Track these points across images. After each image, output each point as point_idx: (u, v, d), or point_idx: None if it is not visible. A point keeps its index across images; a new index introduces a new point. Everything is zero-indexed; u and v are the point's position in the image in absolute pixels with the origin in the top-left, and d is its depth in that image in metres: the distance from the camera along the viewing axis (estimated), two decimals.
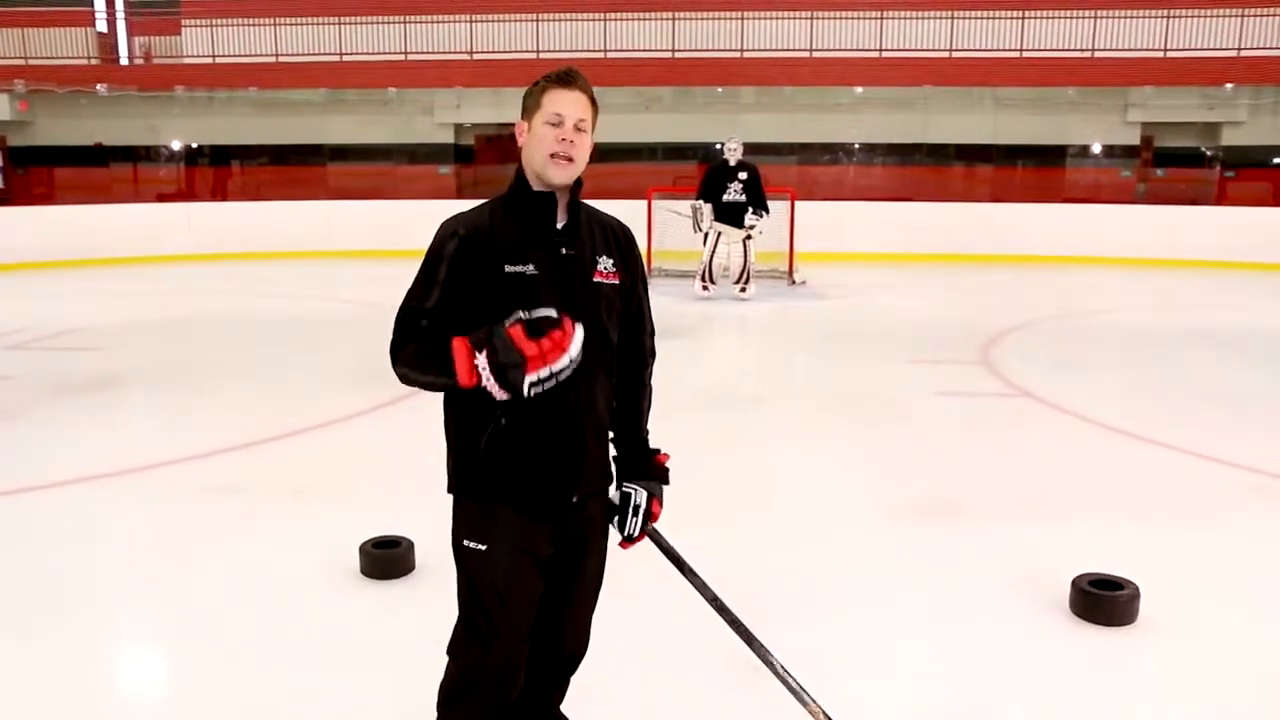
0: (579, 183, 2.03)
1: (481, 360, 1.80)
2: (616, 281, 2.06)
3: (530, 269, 1.94)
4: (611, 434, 2.17)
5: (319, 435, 5.58)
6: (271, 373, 7.35)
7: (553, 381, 1.81)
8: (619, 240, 2.10)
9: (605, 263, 2.04)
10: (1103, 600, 3.21)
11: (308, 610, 3.36)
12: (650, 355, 2.21)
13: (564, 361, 1.80)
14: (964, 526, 4.16)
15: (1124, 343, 8.73)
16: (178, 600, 3.46)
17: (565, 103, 1.96)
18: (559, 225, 2.00)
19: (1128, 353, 8.27)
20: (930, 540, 3.99)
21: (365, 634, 3.18)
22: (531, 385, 1.80)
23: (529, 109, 1.99)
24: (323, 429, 5.68)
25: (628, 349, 2.14)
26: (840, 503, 4.45)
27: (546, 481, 1.99)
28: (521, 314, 1.81)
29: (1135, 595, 3.23)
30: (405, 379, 1.95)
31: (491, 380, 1.80)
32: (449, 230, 1.98)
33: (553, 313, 1.81)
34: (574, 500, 2.03)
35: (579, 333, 1.81)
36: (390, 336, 1.98)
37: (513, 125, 2.04)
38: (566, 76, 1.98)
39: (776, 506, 4.41)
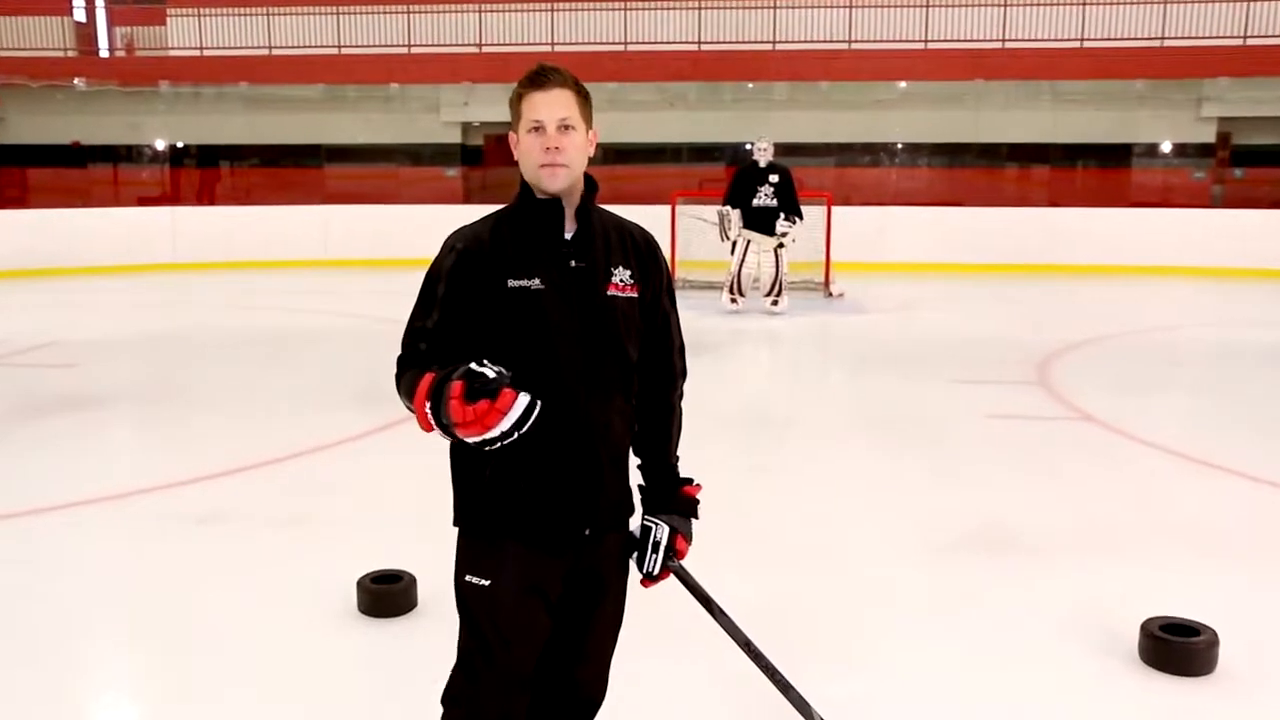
0: (592, 186, 2.05)
1: (429, 408, 1.84)
2: (634, 295, 2.06)
3: (535, 283, 1.96)
4: (637, 461, 2.18)
5: (313, 460, 5.61)
6: (262, 392, 7.40)
7: (498, 445, 1.83)
8: (639, 248, 2.10)
9: (621, 274, 2.05)
10: (1177, 647, 3.17)
11: (300, 650, 3.38)
12: (680, 375, 2.21)
13: (494, 433, 1.81)
14: (1019, 564, 4.13)
15: (1197, 362, 8.65)
16: (158, 640, 3.48)
17: (542, 106, 1.97)
18: (567, 235, 2.02)
19: (1201, 373, 8.20)
20: (982, 579, 3.97)
21: (363, 676, 3.19)
22: (477, 444, 1.84)
23: (514, 118, 2.02)
24: (317, 454, 5.71)
25: (653, 369, 2.15)
26: (883, 537, 4.43)
27: (557, 513, 2.00)
28: (473, 365, 1.82)
29: (1213, 642, 3.19)
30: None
31: (440, 434, 1.85)
32: (448, 245, 2.02)
33: (490, 373, 1.81)
34: (587, 534, 2.04)
35: (517, 407, 1.80)
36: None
37: None
38: (539, 76, 1.98)
39: (812, 540, 4.40)
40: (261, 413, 6.74)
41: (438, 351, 1.95)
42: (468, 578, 2.02)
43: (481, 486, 1.99)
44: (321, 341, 9.56)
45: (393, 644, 3.40)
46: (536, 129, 1.96)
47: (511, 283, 1.95)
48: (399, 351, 2.00)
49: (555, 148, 1.96)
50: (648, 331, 2.11)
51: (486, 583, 2.00)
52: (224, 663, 3.29)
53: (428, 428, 1.86)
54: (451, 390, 1.79)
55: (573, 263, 2.00)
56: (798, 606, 3.69)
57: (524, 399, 1.80)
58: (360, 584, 3.61)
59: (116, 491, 5.00)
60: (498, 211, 2.08)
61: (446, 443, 2.08)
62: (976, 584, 3.92)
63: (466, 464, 2.02)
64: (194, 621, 3.59)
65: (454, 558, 2.08)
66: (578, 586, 2.07)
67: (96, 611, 3.71)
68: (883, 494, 5.06)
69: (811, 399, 7.52)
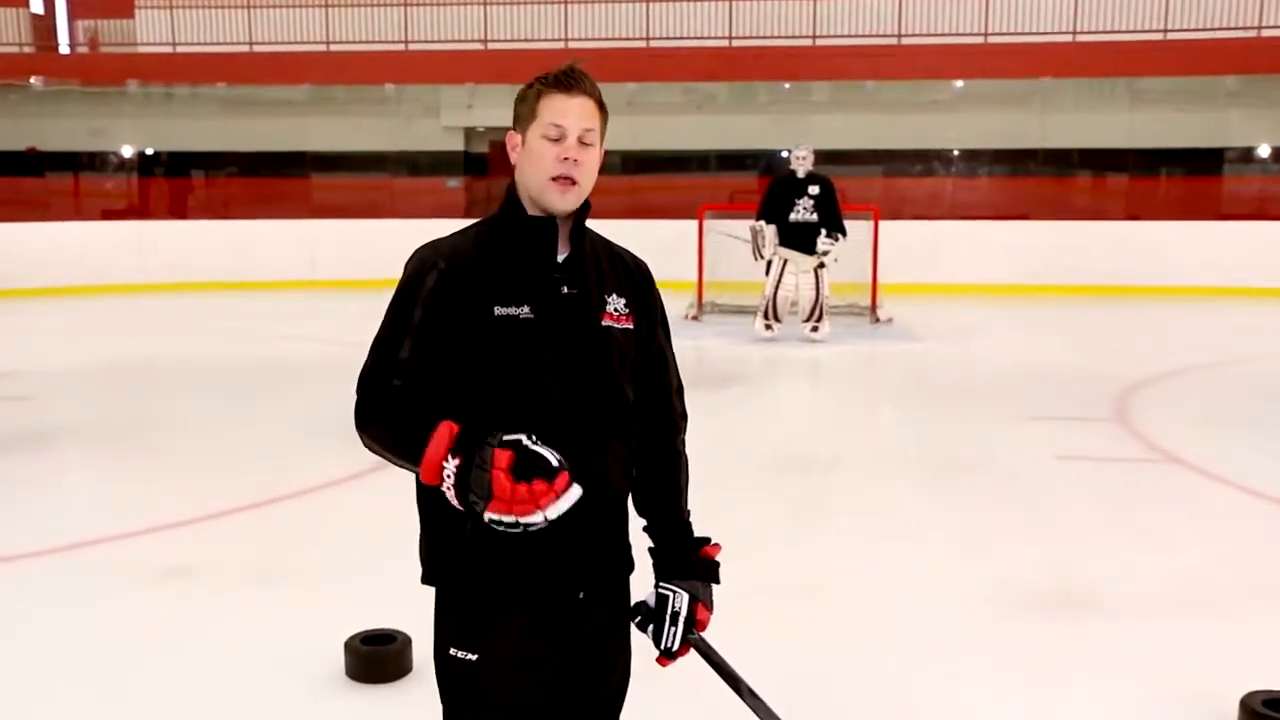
0: (585, 205, 2.03)
1: (450, 468, 1.79)
2: (630, 326, 2.07)
3: (525, 311, 1.95)
4: (643, 522, 2.16)
5: (295, 507, 5.63)
6: (239, 430, 7.44)
7: (518, 529, 1.79)
8: (633, 277, 2.12)
9: (615, 303, 2.05)
10: None
11: None
12: (682, 418, 2.21)
13: (535, 518, 1.76)
14: (1098, 627, 4.10)
15: None
16: (117, 710, 3.48)
17: (567, 111, 1.95)
18: (560, 258, 2.02)
19: None
20: (1055, 644, 3.94)
21: None
22: (491, 521, 1.78)
23: (522, 117, 2.00)
24: (300, 499, 5.73)
25: (653, 413, 2.14)
26: (942, 596, 4.40)
27: (548, 574, 1.98)
28: (525, 439, 1.78)
29: None
30: (373, 450, 1.95)
31: (452, 494, 1.80)
32: (426, 261, 1.98)
33: (554, 460, 1.77)
34: (581, 597, 2.02)
35: (570, 496, 1.77)
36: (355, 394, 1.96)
37: None
38: (568, 78, 1.97)
39: (858, 601, 4.37)
40: (238, 453, 6.77)
41: (412, 388, 1.92)
42: (452, 651, 2.00)
43: (461, 541, 1.95)
44: (304, 373, 9.61)
45: (385, 713, 3.39)
46: (555, 137, 1.95)
47: (499, 310, 1.93)
48: (359, 386, 1.95)
49: (574, 160, 1.95)
50: (643, 370, 2.11)
51: (474, 657, 1.97)
52: None
53: (434, 481, 1.81)
54: (496, 460, 1.74)
55: (564, 289, 2.00)
56: (843, 674, 3.67)
57: (577, 489, 1.77)
58: (348, 645, 3.62)
59: (72, 540, 5.02)
60: (478, 224, 2.07)
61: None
62: (1050, 651, 3.89)
63: (443, 514, 1.95)
64: (159, 688, 3.59)
65: (433, 624, 2.05)
66: (578, 660, 2.04)
67: (40, 677, 3.69)
68: (940, 546, 5.03)
69: (857, 438, 7.49)
